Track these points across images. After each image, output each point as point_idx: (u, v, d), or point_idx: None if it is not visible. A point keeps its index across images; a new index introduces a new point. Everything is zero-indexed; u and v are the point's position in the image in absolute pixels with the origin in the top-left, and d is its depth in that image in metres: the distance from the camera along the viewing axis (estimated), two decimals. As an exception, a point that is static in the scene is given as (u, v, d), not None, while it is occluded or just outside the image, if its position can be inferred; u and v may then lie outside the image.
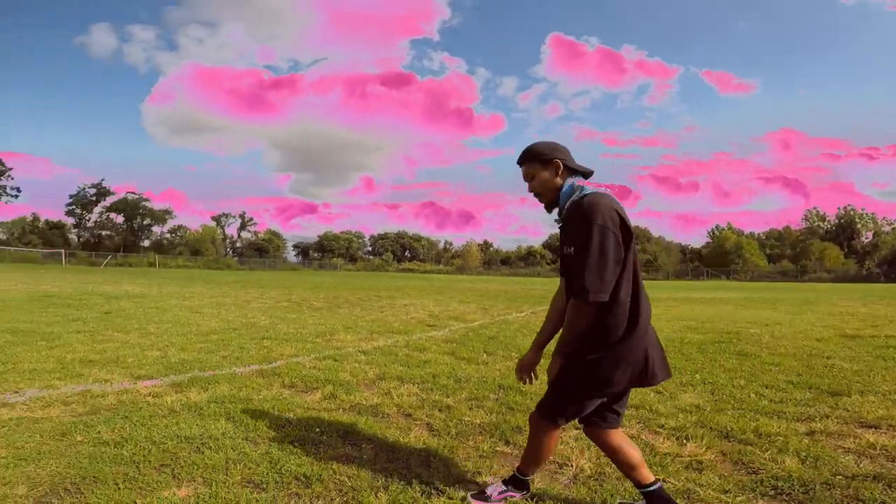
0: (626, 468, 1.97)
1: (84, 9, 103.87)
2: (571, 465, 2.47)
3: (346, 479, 2.27)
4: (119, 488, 2.05)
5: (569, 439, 2.82)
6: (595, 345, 1.80)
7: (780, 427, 3.07)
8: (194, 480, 2.16)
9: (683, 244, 79.63)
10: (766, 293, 21.56)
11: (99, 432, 2.64)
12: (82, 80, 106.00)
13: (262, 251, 72.16)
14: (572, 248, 1.80)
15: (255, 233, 78.60)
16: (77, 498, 1.97)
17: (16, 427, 2.68)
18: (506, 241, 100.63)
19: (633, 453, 1.97)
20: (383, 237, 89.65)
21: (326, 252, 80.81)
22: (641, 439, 2.85)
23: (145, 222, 69.02)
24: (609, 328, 1.79)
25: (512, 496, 2.10)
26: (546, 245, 75.20)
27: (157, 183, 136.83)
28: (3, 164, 56.72)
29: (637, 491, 2.02)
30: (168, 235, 70.28)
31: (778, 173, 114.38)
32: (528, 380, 2.08)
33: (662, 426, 3.07)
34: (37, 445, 2.44)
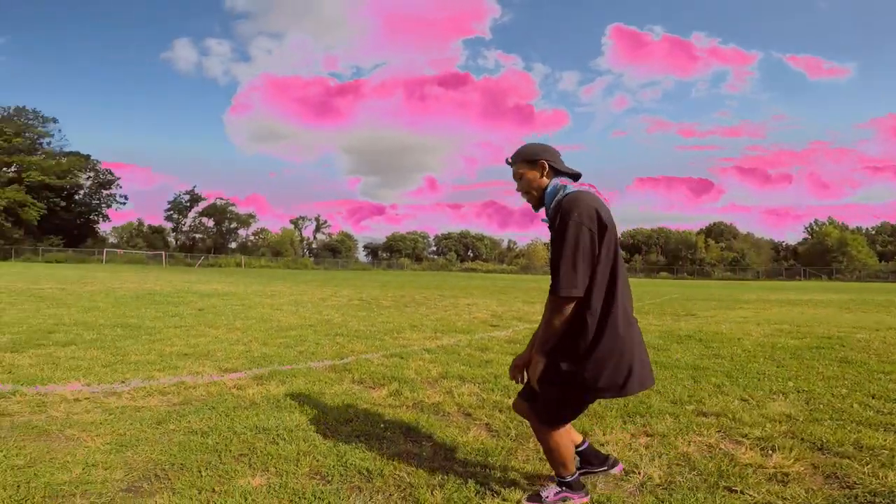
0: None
1: (164, 25, 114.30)
2: (639, 473, 2.36)
3: (405, 475, 2.31)
4: (201, 475, 2.21)
5: (639, 446, 2.70)
6: (574, 348, 1.81)
7: (886, 440, 2.75)
8: (267, 470, 2.30)
9: (776, 241, 73.23)
10: (876, 294, 19.43)
11: (189, 422, 2.88)
12: (173, 93, 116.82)
13: (335, 252, 75.80)
14: (553, 246, 1.82)
15: (329, 234, 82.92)
16: (164, 483, 2.14)
17: (120, 415, 2.99)
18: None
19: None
20: (447, 237, 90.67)
21: (394, 252, 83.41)
22: (720, 449, 2.66)
23: (232, 226, 74.90)
24: (585, 331, 1.79)
25: (568, 496, 2.07)
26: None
27: (241, 188, 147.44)
28: (112, 175, 63.70)
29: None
30: (252, 238, 76.12)
31: (888, 162, 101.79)
32: (520, 378, 2.06)
33: (746, 436, 2.85)
34: (136, 433, 2.70)
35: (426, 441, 2.76)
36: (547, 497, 2.06)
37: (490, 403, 3.51)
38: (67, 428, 2.74)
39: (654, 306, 12.32)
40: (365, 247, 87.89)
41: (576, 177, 1.97)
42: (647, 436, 2.86)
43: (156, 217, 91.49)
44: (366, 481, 2.25)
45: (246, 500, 2.00)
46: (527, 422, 3.09)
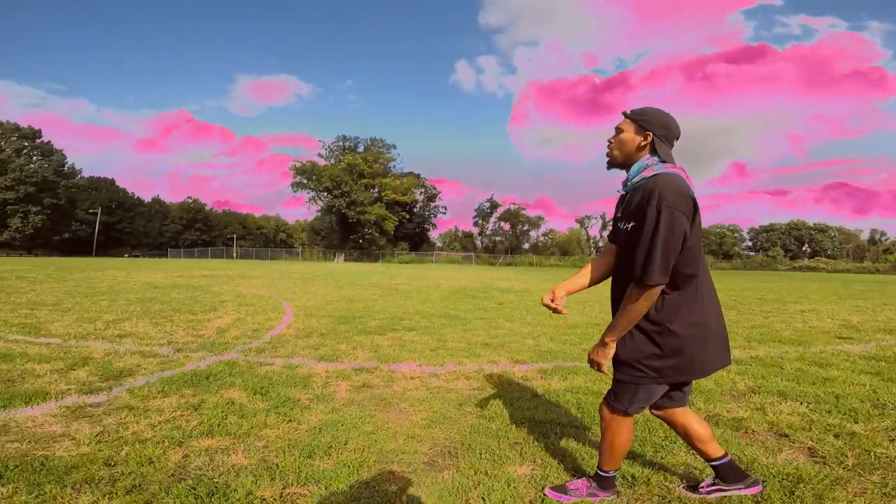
0: (697, 444, 2.04)
1: (445, 49, 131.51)
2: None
3: (674, 486, 2.20)
4: (480, 458, 2.51)
5: None
6: (659, 331, 1.79)
7: None
8: (534, 461, 2.52)
9: None
10: None
11: (481, 406, 3.39)
12: (466, 112, 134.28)
13: (623, 250, 74.55)
14: (630, 224, 1.77)
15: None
16: (452, 461, 2.47)
17: (436, 394, 3.71)
18: None
19: (702, 429, 2.03)
20: (768, 229, 74.86)
21: (698, 249, 75.15)
22: None
23: (524, 228, 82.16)
24: (674, 312, 1.78)
25: (596, 493, 2.06)
26: None
27: (529, 192, 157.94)
28: (435, 189, 78.78)
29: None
30: (542, 238, 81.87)
31: None
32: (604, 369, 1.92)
33: None
34: (444, 412, 3.28)
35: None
36: (576, 489, 2.07)
37: (821, 426, 2.95)
38: (402, 402, 3.43)
39: None
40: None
41: (667, 162, 1.85)
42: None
43: (466, 223, 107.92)
44: (628, 487, 2.24)
45: (508, 486, 2.24)
46: (878, 450, 2.55)
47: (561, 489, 2.12)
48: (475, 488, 2.19)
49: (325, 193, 64.97)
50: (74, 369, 3.97)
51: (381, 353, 4.99)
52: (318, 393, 3.57)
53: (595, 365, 1.91)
